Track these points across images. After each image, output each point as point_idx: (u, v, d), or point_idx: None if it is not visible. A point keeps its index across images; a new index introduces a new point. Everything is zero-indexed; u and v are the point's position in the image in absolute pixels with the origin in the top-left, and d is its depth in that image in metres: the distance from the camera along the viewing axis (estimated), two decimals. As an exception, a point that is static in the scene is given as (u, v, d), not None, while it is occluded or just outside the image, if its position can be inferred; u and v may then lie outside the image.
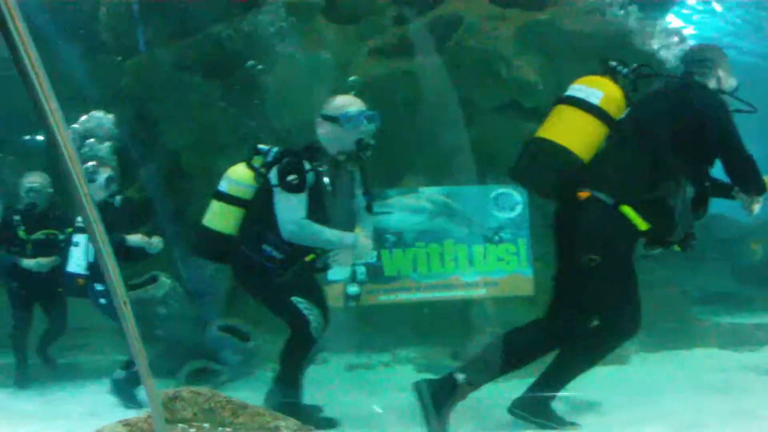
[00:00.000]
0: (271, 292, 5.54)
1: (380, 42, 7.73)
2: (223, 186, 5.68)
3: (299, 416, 4.67)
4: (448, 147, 8.05)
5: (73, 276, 6.73)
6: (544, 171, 4.85)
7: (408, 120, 7.86)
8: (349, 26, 7.76)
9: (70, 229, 7.20)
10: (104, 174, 6.77)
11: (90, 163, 6.77)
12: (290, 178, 5.19)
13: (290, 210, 5.25)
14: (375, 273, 7.67)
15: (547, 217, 8.00)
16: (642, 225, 4.67)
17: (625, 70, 5.03)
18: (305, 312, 5.40)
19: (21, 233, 7.59)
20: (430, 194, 7.71)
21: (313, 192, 5.28)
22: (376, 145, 5.35)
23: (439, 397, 4.97)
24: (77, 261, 6.72)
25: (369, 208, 5.67)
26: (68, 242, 7.11)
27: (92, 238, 2.37)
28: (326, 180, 5.32)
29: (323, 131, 5.43)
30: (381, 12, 7.81)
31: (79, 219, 6.64)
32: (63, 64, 7.94)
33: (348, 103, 5.43)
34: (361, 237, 5.57)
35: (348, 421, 5.59)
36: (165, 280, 7.07)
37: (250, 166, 5.62)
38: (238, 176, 5.66)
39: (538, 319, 5.11)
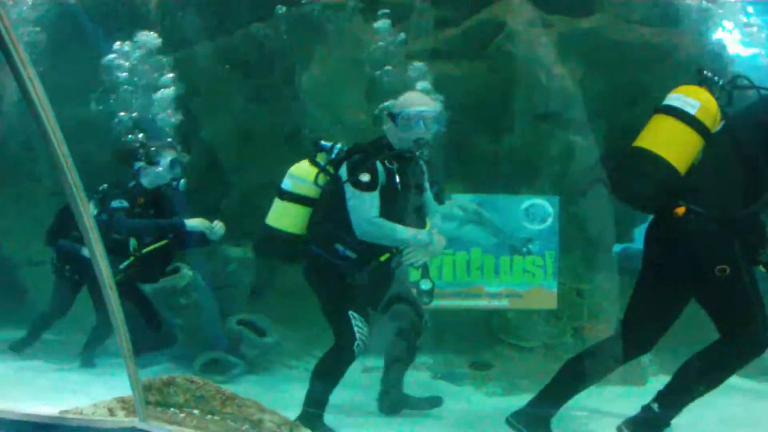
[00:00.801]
0: (335, 297, 5.50)
1: (420, 45, 7.82)
2: (287, 184, 5.66)
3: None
4: (484, 154, 8.22)
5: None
6: (642, 181, 4.70)
7: (447, 125, 7.96)
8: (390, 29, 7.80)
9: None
10: (168, 156, 6.90)
11: (153, 145, 6.95)
12: (363, 177, 5.17)
13: (363, 208, 5.20)
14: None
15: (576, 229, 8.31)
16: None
17: (721, 82, 4.92)
18: (355, 329, 5.35)
19: None
20: (462, 201, 7.77)
21: (385, 189, 5.25)
22: (432, 144, 5.41)
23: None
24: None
25: (438, 199, 5.75)
26: None
27: (80, 223, 2.64)
28: (397, 177, 5.30)
29: (386, 127, 5.49)
30: (421, 14, 7.88)
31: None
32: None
33: (412, 102, 5.43)
34: (435, 234, 5.54)
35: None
36: (187, 272, 7.27)
37: (314, 163, 5.61)
38: (303, 174, 5.63)
39: (720, 339, 5.04)
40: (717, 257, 4.60)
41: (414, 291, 6.05)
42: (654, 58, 7.87)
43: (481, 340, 7.90)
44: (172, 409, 3.66)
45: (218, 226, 6.72)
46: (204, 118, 8.28)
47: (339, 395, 5.71)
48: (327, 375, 5.49)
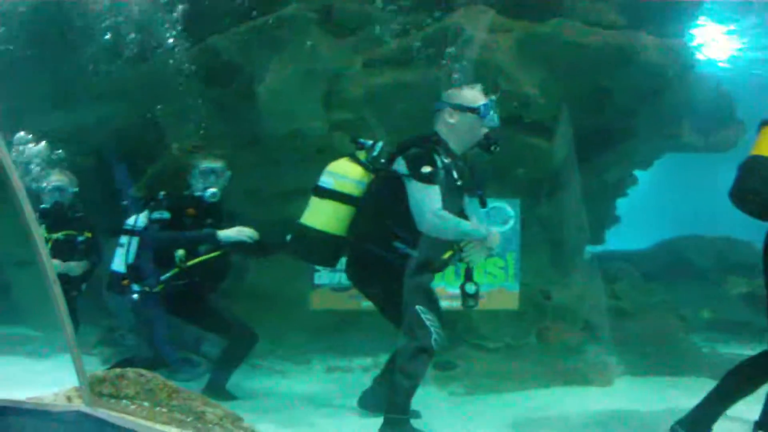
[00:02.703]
0: (397, 297, 5.51)
1: (378, 53, 8.15)
2: (327, 182, 5.78)
3: None
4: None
5: (118, 275, 7.05)
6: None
7: (407, 132, 8.20)
8: (346, 38, 8.17)
9: (88, 233, 7.81)
10: (200, 165, 7.13)
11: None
12: (425, 169, 5.28)
13: (428, 201, 5.27)
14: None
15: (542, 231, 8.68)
16: None
17: None
18: (428, 323, 5.43)
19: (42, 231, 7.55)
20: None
21: (442, 184, 5.37)
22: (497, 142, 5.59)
23: None
24: (121, 261, 7.06)
25: (483, 204, 5.81)
26: (91, 245, 7.77)
27: (26, 224, 3.11)
28: (455, 173, 5.48)
29: (453, 121, 5.63)
30: (378, 23, 8.17)
31: (129, 222, 7.10)
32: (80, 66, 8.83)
33: (478, 94, 5.69)
34: (492, 230, 5.70)
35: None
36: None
37: (356, 161, 5.78)
38: (346, 171, 5.77)
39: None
40: None
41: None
42: (615, 61, 8.11)
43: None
44: (123, 401, 4.06)
45: (249, 231, 6.84)
46: (168, 127, 8.62)
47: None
48: (409, 377, 5.48)
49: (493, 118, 5.63)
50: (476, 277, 5.88)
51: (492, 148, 5.66)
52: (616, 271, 10.11)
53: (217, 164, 7.16)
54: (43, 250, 3.10)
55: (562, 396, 7.40)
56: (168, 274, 6.87)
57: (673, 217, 19.35)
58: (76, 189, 8.00)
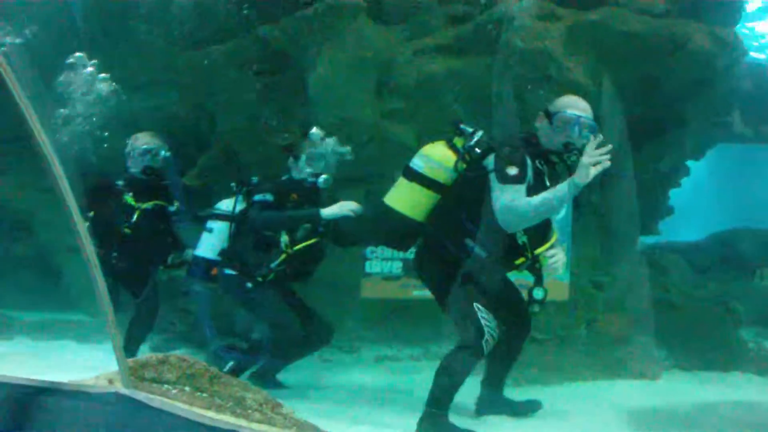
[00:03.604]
0: (457, 291, 5.43)
1: (428, 42, 8.08)
2: (418, 165, 5.63)
3: None
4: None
5: (206, 261, 6.95)
6: None
7: (461, 120, 8.17)
8: (396, 26, 8.13)
9: (177, 204, 7.40)
10: (309, 150, 6.89)
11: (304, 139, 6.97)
12: (511, 170, 5.13)
13: (510, 200, 5.10)
14: (411, 268, 8.05)
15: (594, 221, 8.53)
16: None
17: None
18: (482, 322, 5.28)
19: (129, 200, 7.22)
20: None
21: (531, 188, 5.19)
22: (579, 152, 5.18)
23: None
24: (209, 246, 6.98)
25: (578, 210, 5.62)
26: (180, 219, 7.40)
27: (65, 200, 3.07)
28: (547, 180, 5.31)
29: (538, 124, 5.52)
30: (428, 12, 8.13)
31: (219, 206, 7.04)
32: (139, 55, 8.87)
33: (571, 105, 5.44)
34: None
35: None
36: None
37: (452, 147, 5.57)
38: (439, 157, 5.58)
39: None
40: None
41: None
42: (665, 49, 7.97)
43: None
44: (165, 385, 4.02)
45: (351, 204, 6.50)
46: (219, 116, 8.64)
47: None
48: (453, 374, 5.37)
49: (566, 132, 5.36)
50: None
51: (565, 157, 5.40)
52: (668, 263, 9.89)
53: (324, 150, 6.93)
54: (83, 231, 3.06)
55: (610, 389, 7.28)
56: (277, 261, 6.71)
57: (726, 209, 19.00)
58: (168, 153, 7.51)
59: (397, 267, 8.07)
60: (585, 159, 4.96)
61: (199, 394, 3.95)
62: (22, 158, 9.28)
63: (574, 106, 5.42)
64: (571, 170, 5.25)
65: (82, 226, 3.15)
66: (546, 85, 7.95)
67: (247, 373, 6.81)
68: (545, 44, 7.88)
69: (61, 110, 8.12)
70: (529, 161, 5.26)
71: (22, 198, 10.06)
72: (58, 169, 2.99)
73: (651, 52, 8.01)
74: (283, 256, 6.70)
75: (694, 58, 8.03)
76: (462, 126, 5.62)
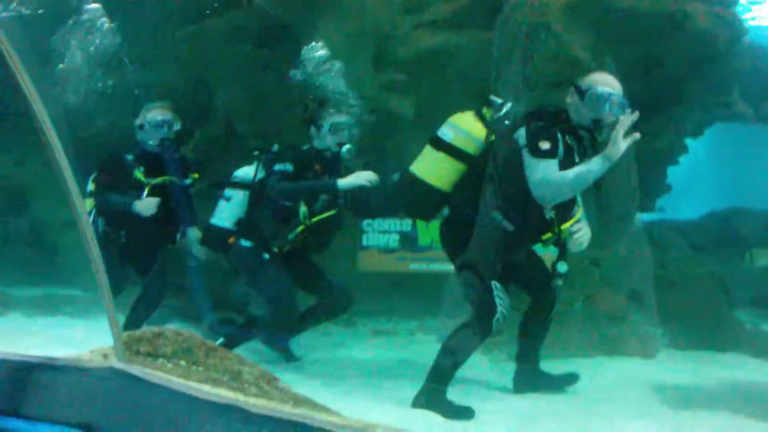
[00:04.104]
0: (477, 265, 5.39)
1: (428, 15, 8.04)
2: (447, 134, 5.58)
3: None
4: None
5: (222, 230, 6.78)
6: None
7: (458, 93, 8.13)
8: None
9: (196, 174, 7.23)
10: (331, 119, 6.68)
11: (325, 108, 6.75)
12: (543, 144, 5.13)
13: (543, 173, 5.12)
14: (408, 241, 8.09)
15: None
16: None
17: None
18: (497, 300, 5.28)
19: (139, 175, 6.96)
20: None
21: (561, 163, 5.19)
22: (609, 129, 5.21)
23: None
24: (227, 215, 6.80)
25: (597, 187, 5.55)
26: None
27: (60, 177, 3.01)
28: (576, 156, 5.29)
29: (569, 100, 5.47)
30: None
31: (237, 174, 6.85)
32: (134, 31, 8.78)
33: (602, 82, 5.42)
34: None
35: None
36: (196, 233, 7.24)
37: (481, 118, 5.57)
38: (468, 127, 5.56)
39: None
40: None
41: None
42: (665, 27, 7.91)
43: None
44: (160, 359, 3.99)
45: (367, 174, 6.42)
46: (218, 89, 8.58)
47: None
48: (459, 350, 5.41)
49: (597, 108, 5.32)
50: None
51: (596, 133, 5.38)
52: (665, 240, 9.86)
53: (348, 119, 6.78)
54: (81, 205, 3.00)
55: (605, 365, 7.23)
56: (295, 232, 6.61)
57: (723, 188, 19.00)
58: (179, 127, 7.28)
59: (393, 240, 8.04)
60: (616, 133, 4.99)
61: (194, 368, 3.89)
62: (17, 133, 9.18)
63: (606, 83, 5.40)
64: (597, 147, 5.30)
65: (79, 201, 3.09)
66: (545, 60, 7.89)
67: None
68: (545, 19, 7.78)
69: (60, 65, 7.98)
70: (559, 136, 5.26)
71: (18, 174, 9.99)
72: (55, 142, 2.93)
73: (651, 30, 7.96)
74: (301, 227, 6.61)
75: (694, 37, 7.98)
76: (491, 97, 5.63)
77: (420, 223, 7.97)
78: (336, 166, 6.70)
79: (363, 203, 6.76)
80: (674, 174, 10.89)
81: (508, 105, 5.53)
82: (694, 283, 8.81)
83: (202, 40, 8.35)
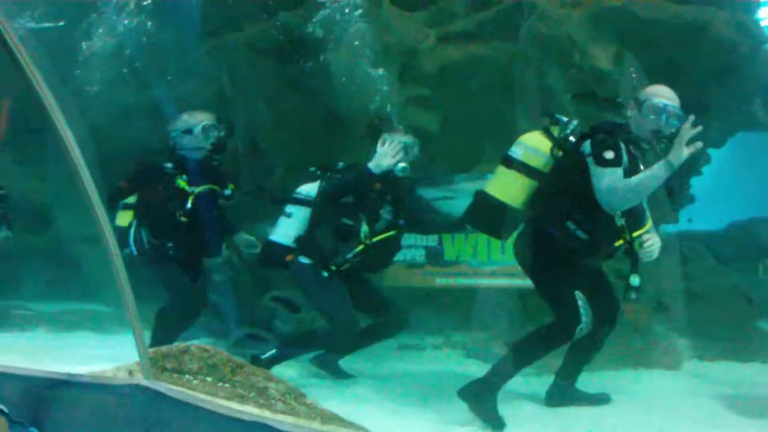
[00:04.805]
0: (558, 276, 5.47)
1: (451, 28, 8.02)
2: (517, 153, 5.65)
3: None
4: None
5: (281, 247, 6.64)
6: None
7: (482, 107, 8.15)
8: (419, 13, 8.08)
9: (232, 185, 6.98)
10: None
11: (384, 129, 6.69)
12: (607, 153, 5.16)
13: (609, 181, 5.11)
14: (434, 256, 7.98)
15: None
16: None
17: None
18: (582, 311, 5.34)
19: (182, 184, 6.67)
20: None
21: (626, 174, 5.18)
22: (668, 139, 5.24)
23: None
24: (287, 232, 6.66)
25: (672, 196, 5.68)
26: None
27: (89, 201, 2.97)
28: (641, 166, 5.25)
29: (630, 113, 5.52)
30: None
31: (301, 190, 6.71)
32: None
33: (658, 93, 5.46)
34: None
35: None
36: (247, 237, 7.14)
37: (549, 135, 5.61)
38: (536, 144, 5.63)
39: None
40: None
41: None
42: (687, 36, 7.91)
43: (516, 319, 7.84)
44: (186, 375, 3.94)
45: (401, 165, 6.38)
46: (240, 104, 8.55)
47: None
48: (532, 351, 5.53)
49: (657, 120, 5.36)
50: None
51: (654, 144, 5.38)
52: (689, 252, 9.76)
53: (408, 138, 6.68)
54: (105, 221, 2.97)
55: (631, 378, 7.13)
56: (354, 251, 6.49)
57: (747, 199, 18.84)
58: (223, 132, 6.93)
59: (420, 255, 7.97)
60: (679, 139, 5.02)
61: (221, 384, 3.91)
62: (41, 149, 9.19)
63: (662, 95, 5.45)
64: (658, 158, 5.23)
65: (103, 215, 3.05)
66: (570, 71, 7.90)
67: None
68: (568, 30, 7.81)
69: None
70: (623, 146, 5.27)
71: (41, 189, 9.99)
72: (77, 157, 2.90)
73: (672, 39, 7.96)
74: (361, 246, 6.52)
75: (716, 45, 7.99)
76: (557, 116, 5.69)
77: (446, 238, 7.93)
78: (395, 184, 6.65)
79: (426, 222, 7.01)
80: (697, 184, 10.81)
81: (574, 122, 5.58)
82: (718, 294, 8.73)
83: (224, 54, 8.34)
